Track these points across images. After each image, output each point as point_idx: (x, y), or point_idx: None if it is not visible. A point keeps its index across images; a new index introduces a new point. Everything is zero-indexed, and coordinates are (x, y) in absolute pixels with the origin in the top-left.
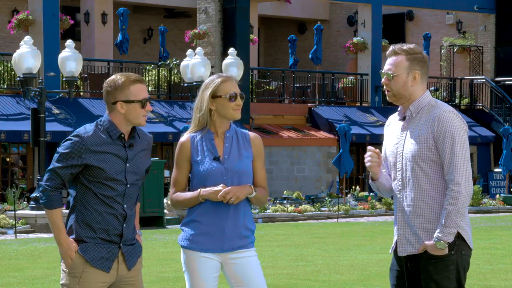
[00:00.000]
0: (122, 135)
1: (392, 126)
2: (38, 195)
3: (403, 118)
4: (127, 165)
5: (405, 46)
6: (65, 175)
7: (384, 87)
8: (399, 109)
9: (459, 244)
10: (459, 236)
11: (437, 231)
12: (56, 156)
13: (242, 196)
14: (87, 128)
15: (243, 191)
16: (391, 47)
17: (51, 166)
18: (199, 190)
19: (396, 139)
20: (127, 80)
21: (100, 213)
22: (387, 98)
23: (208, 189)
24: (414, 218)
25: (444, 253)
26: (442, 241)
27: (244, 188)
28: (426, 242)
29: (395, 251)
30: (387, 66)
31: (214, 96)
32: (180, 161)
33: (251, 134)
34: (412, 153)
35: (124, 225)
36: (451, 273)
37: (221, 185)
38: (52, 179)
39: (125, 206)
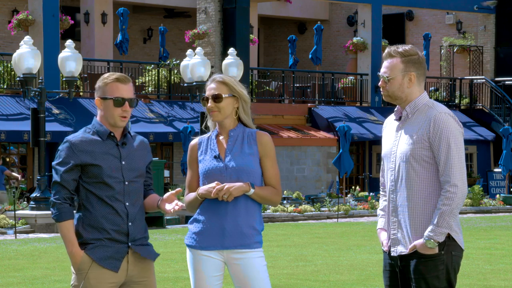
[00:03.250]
0: (112, 134)
1: (389, 127)
2: (51, 205)
3: (399, 118)
4: (123, 162)
5: (401, 48)
6: (68, 183)
7: (382, 89)
8: (396, 109)
9: (449, 245)
10: (449, 237)
11: (429, 230)
12: (54, 170)
13: (235, 193)
14: (76, 134)
15: (237, 189)
16: (387, 49)
17: (53, 180)
18: (197, 190)
19: (392, 139)
20: (109, 77)
21: (102, 213)
22: (383, 98)
23: (204, 187)
24: (406, 218)
25: (434, 252)
26: (432, 240)
27: (239, 185)
28: (416, 242)
29: (388, 251)
30: (383, 69)
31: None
32: (190, 162)
33: (259, 132)
34: (406, 153)
35: (129, 223)
36: (440, 273)
37: (215, 182)
38: (58, 192)
39: (126, 204)
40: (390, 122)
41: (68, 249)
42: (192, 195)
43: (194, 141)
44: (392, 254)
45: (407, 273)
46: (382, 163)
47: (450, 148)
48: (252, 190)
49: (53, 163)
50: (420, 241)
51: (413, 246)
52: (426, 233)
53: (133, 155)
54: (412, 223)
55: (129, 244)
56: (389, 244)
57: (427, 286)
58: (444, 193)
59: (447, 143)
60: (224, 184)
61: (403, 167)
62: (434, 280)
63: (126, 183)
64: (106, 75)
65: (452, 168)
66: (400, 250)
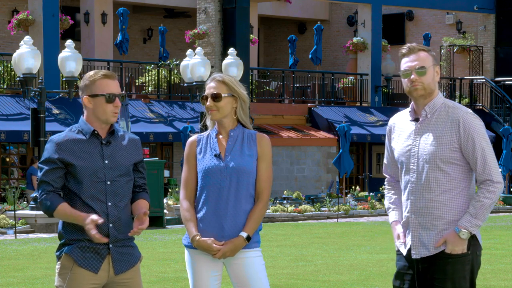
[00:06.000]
0: (96, 132)
1: (401, 127)
2: (39, 205)
3: (415, 119)
4: (106, 161)
5: (420, 46)
6: (53, 181)
7: (414, 83)
8: (409, 110)
9: (474, 245)
10: (474, 237)
11: (465, 220)
12: (39, 169)
13: (232, 255)
14: (60, 133)
15: (234, 251)
16: (408, 46)
17: (39, 179)
18: (195, 236)
19: (409, 140)
20: (95, 75)
21: None
22: (415, 94)
23: (203, 240)
24: (432, 220)
25: (462, 251)
26: (467, 231)
27: (236, 246)
28: (446, 234)
29: (408, 254)
30: (413, 62)
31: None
32: (188, 158)
33: (259, 134)
34: (431, 154)
35: (110, 225)
36: (467, 273)
37: (212, 239)
38: (43, 189)
39: (109, 204)
40: (401, 121)
41: (80, 223)
42: (188, 222)
43: (193, 137)
44: (413, 257)
45: (430, 273)
46: (387, 158)
47: (484, 149)
48: (247, 242)
49: (38, 162)
50: (452, 232)
51: (443, 239)
52: (460, 222)
53: (118, 153)
54: (439, 223)
55: (110, 245)
56: (408, 247)
57: (453, 286)
58: (487, 187)
59: (480, 145)
60: (223, 247)
61: (427, 168)
62: (461, 280)
63: (108, 182)
64: (91, 73)
65: (492, 167)
66: (423, 252)
